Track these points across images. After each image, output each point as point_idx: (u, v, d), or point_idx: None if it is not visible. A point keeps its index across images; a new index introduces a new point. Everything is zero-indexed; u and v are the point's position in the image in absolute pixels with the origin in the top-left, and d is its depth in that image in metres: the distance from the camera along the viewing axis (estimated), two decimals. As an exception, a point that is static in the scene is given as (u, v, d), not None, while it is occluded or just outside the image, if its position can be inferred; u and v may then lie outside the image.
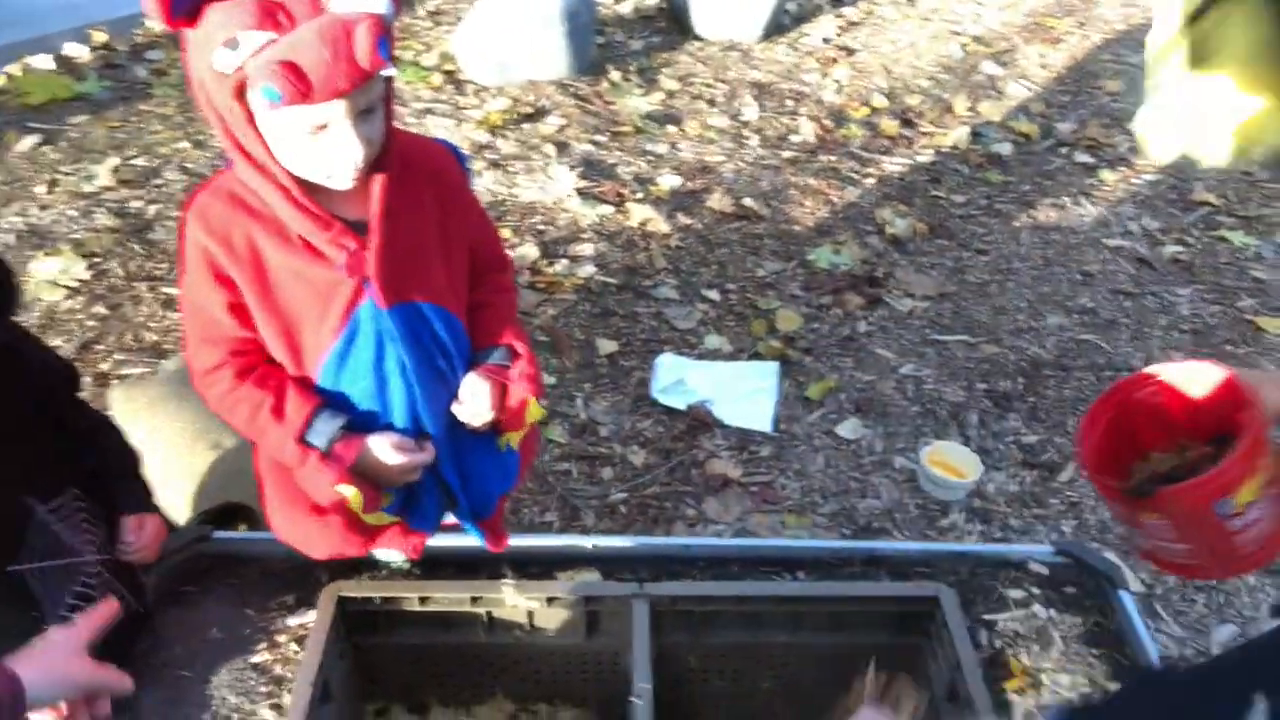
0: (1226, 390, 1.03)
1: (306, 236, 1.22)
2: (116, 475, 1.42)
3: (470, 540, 1.56)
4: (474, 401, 1.39)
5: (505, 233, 3.20)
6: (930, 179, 3.73)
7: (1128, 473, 1.11)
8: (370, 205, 1.23)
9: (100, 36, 4.04)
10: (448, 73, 4.12)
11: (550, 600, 1.51)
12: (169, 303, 2.82)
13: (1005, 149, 3.93)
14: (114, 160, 3.38)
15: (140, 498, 1.43)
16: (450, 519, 1.53)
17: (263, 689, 1.38)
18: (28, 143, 3.44)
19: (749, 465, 2.51)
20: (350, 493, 1.31)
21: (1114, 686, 1.44)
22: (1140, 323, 3.04)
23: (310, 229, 1.21)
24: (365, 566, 1.54)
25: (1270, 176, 3.83)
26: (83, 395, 1.43)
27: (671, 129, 3.90)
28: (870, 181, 3.68)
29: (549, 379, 2.71)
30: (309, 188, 1.20)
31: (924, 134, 4.01)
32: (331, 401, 1.33)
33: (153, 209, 3.19)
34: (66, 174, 3.31)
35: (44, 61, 3.88)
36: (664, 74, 4.29)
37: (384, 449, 1.33)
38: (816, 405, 2.70)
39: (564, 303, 2.97)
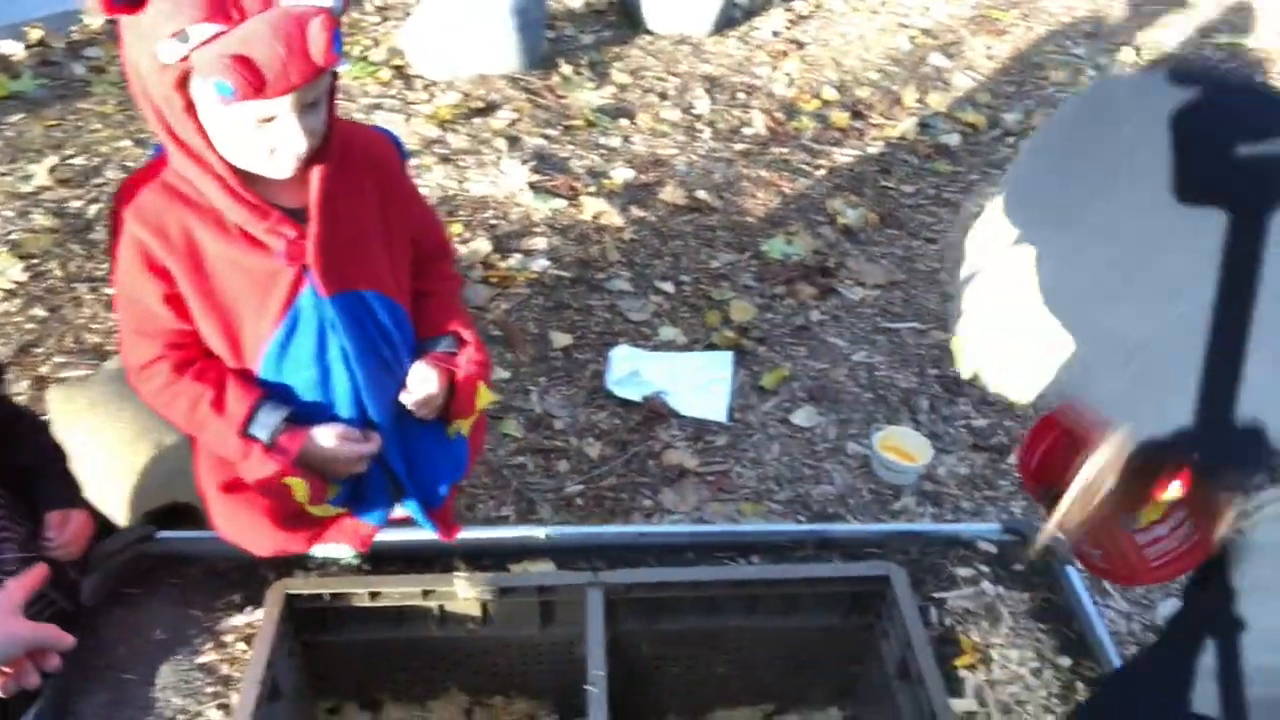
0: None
1: (244, 226, 1.20)
2: (39, 470, 1.39)
3: (421, 534, 1.54)
4: (422, 389, 1.37)
5: (456, 228, 3.18)
6: (880, 170, 3.77)
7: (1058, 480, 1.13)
8: (309, 193, 1.21)
9: (36, 33, 3.94)
10: (396, 68, 4.07)
11: (503, 591, 1.50)
12: (111, 304, 2.76)
13: (953, 139, 3.98)
14: (52, 160, 3.30)
15: (64, 493, 1.40)
16: (400, 512, 1.52)
17: (209, 689, 1.36)
18: (-39, 142, 3.34)
19: (705, 455, 2.51)
20: (296, 484, 1.29)
21: (1062, 661, 1.46)
22: (1086, 307, 3.09)
23: (247, 218, 1.19)
24: (314, 563, 1.52)
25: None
26: (7, 392, 1.39)
27: (624, 122, 3.90)
28: (821, 173, 3.71)
29: (503, 374, 2.69)
30: (246, 177, 1.18)
31: (874, 125, 4.05)
32: (274, 393, 1.31)
33: (93, 209, 3.12)
34: (2, 174, 3.22)
35: (-23, 59, 3.78)
36: (615, 68, 4.29)
37: (329, 439, 1.31)
38: (771, 394, 2.71)
39: (517, 297, 2.96)
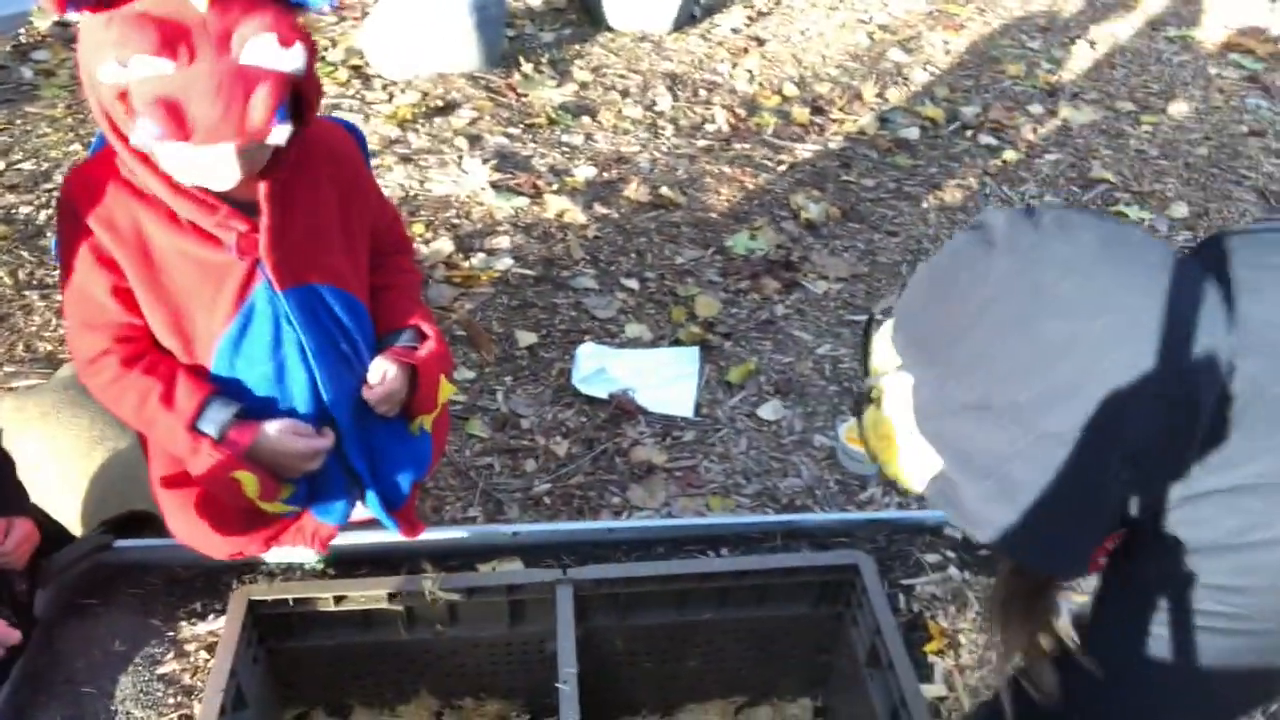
0: None
1: (194, 220, 1.17)
2: None
3: (385, 536, 1.52)
4: (382, 384, 1.35)
5: (418, 228, 3.14)
6: (841, 164, 3.78)
7: None
8: (258, 186, 1.19)
9: (-19, 37, 3.84)
10: (354, 68, 4.02)
11: (472, 592, 1.48)
12: (62, 311, 2.69)
13: (913, 134, 4.01)
14: (-1, 165, 3.22)
15: (7, 501, 1.36)
16: (362, 513, 1.50)
17: (171, 700, 1.33)
18: (-96, 149, 3.25)
19: (673, 451, 2.51)
20: (246, 479, 1.27)
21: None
22: (1046, 296, 3.12)
23: (197, 214, 1.16)
24: (277, 569, 1.50)
25: (1163, 166, 4.00)
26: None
27: (586, 120, 3.88)
28: (783, 168, 3.72)
29: (468, 374, 2.66)
30: None
31: (834, 121, 4.07)
32: (227, 389, 1.28)
33: (43, 215, 3.05)
34: (-52, 180, 3.14)
35: (-81, 63, 3.68)
36: (576, 65, 4.27)
37: (280, 434, 1.29)
38: (737, 389, 2.71)
39: (481, 296, 2.93)
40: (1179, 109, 4.39)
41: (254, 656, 1.43)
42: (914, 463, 0.88)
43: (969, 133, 4.06)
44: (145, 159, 1.12)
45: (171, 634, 1.41)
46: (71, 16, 1.02)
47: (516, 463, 2.43)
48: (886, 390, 0.88)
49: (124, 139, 1.10)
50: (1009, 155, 3.91)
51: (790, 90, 4.23)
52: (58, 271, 2.79)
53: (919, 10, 5.08)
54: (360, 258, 1.36)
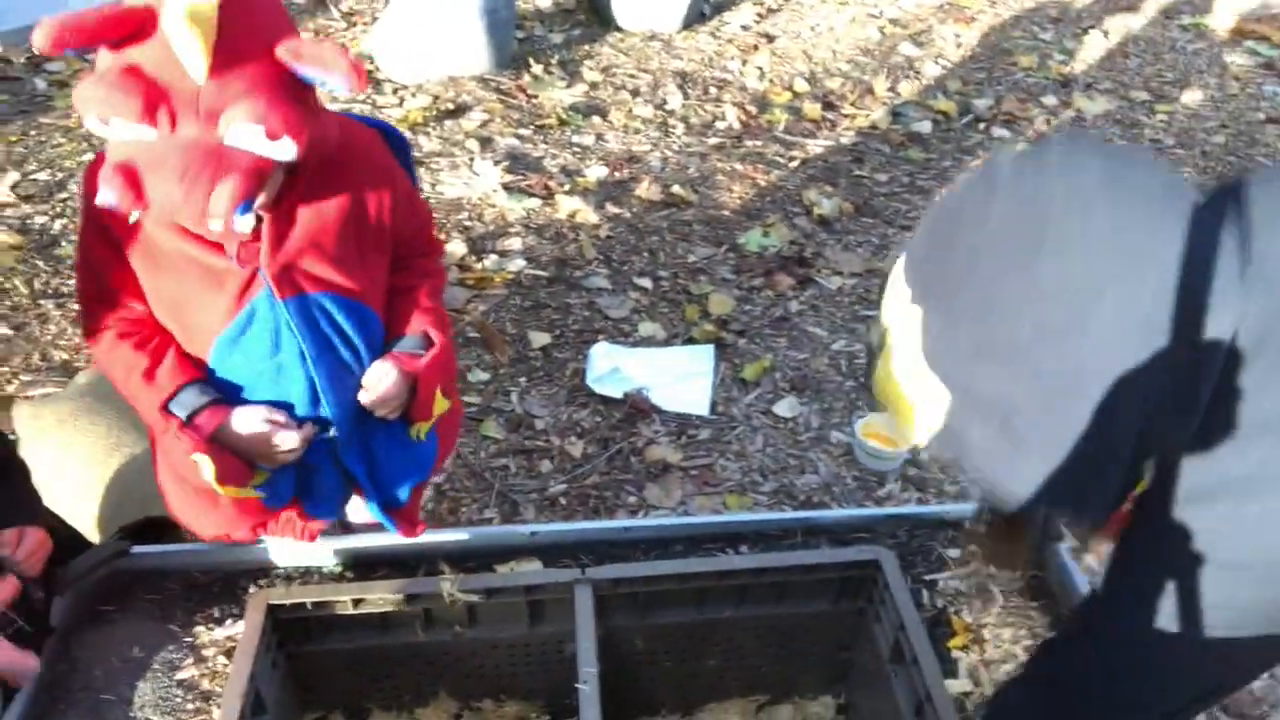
0: None
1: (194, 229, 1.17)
2: None
3: (403, 538, 1.52)
4: (377, 388, 1.35)
5: (431, 231, 3.14)
6: (853, 159, 3.76)
7: None
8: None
9: (-6, 49, 3.87)
10: (365, 73, 4.03)
11: (490, 593, 1.47)
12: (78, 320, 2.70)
13: (925, 127, 3.98)
14: (14, 175, 3.24)
15: (14, 509, 1.36)
16: (365, 515, 1.50)
17: (190, 706, 1.32)
18: (-80, 161, 3.28)
19: (688, 449, 2.49)
20: (202, 461, 1.28)
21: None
22: (1063, 288, 3.10)
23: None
24: (295, 572, 1.49)
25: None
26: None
27: (596, 120, 3.88)
28: (795, 164, 3.70)
29: (483, 375, 2.66)
30: None
31: (846, 116, 4.05)
32: (221, 383, 1.31)
33: (58, 224, 3.06)
34: (-36, 192, 3.16)
35: (-66, 77, 3.71)
36: (586, 66, 4.26)
37: (246, 421, 1.30)
38: (753, 386, 2.70)
39: (494, 298, 2.93)
40: (1194, 97, 4.35)
41: (273, 661, 1.42)
42: (922, 407, 0.87)
43: (982, 125, 4.03)
44: None
45: (190, 639, 1.40)
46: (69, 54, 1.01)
47: (532, 463, 2.42)
48: (895, 330, 0.88)
49: None
50: (1022, 147, 3.88)
51: (801, 86, 4.21)
52: (72, 281, 2.80)
53: (930, 4, 5.05)
54: (375, 263, 1.35)
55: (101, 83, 0.97)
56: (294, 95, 1.04)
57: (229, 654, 1.38)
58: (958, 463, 0.86)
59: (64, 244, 2.98)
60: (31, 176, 3.27)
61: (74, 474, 1.77)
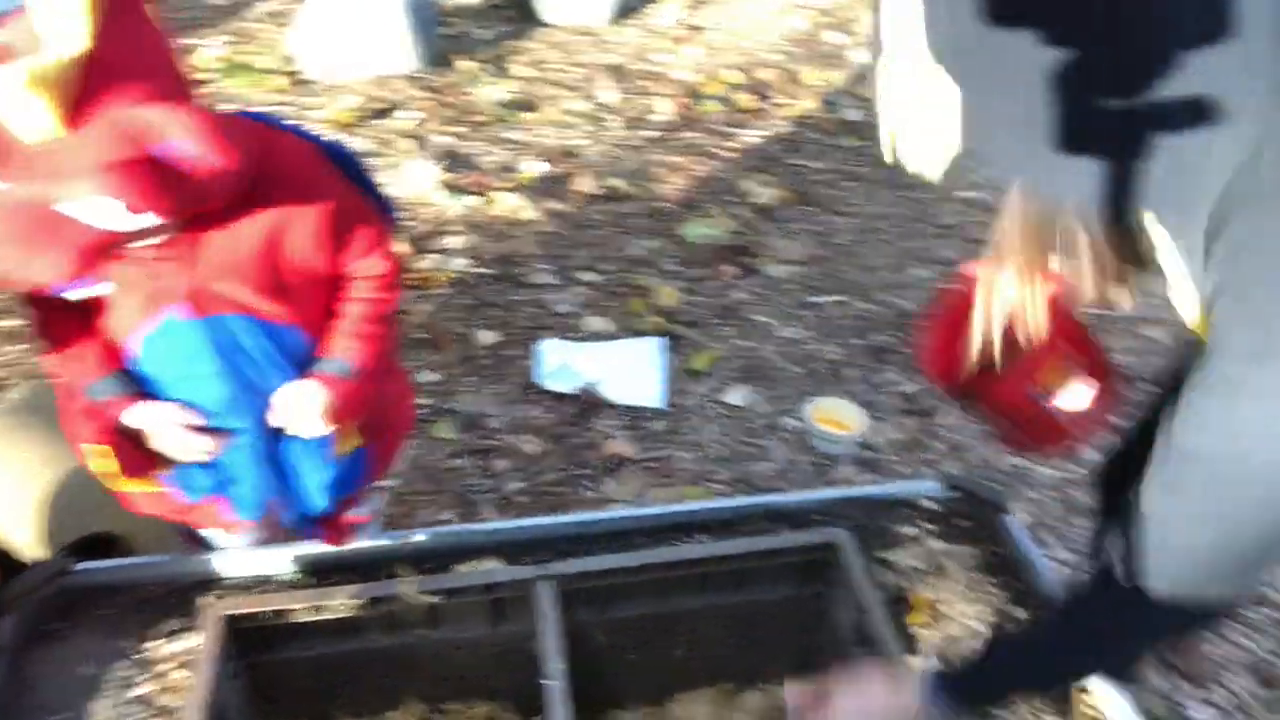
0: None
1: None
2: None
3: (363, 543, 1.50)
4: (284, 411, 1.35)
5: (369, 231, 3.09)
6: (789, 148, 3.81)
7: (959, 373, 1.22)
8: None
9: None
10: (290, 74, 3.95)
11: (451, 593, 1.46)
12: (11, 335, 2.61)
13: (856, 115, 4.04)
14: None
15: None
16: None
17: (149, 723, 1.29)
18: None
19: (644, 442, 2.50)
20: (90, 450, 1.29)
21: (1017, 613, 1.48)
22: (997, 269, 3.17)
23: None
24: (252, 581, 1.46)
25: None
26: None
27: (530, 116, 3.86)
28: (732, 155, 3.73)
29: (432, 376, 2.63)
30: None
31: (778, 105, 4.09)
32: (139, 378, 1.31)
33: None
34: None
35: None
36: (516, 62, 4.24)
37: (145, 418, 1.30)
38: (704, 376, 2.71)
39: (439, 297, 2.90)
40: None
41: (233, 672, 1.39)
42: (938, 124, 0.81)
43: (912, 112, 4.10)
44: None
45: (144, 654, 1.36)
46: None
47: (487, 463, 2.41)
48: (905, 46, 0.81)
49: None
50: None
51: (733, 77, 4.24)
52: (3, 297, 2.69)
53: (855, -7, 5.13)
54: (301, 284, 1.32)
55: None
56: (151, 160, 0.96)
57: (186, 667, 1.35)
58: (973, 163, 0.82)
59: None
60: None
61: (6, 492, 1.71)
